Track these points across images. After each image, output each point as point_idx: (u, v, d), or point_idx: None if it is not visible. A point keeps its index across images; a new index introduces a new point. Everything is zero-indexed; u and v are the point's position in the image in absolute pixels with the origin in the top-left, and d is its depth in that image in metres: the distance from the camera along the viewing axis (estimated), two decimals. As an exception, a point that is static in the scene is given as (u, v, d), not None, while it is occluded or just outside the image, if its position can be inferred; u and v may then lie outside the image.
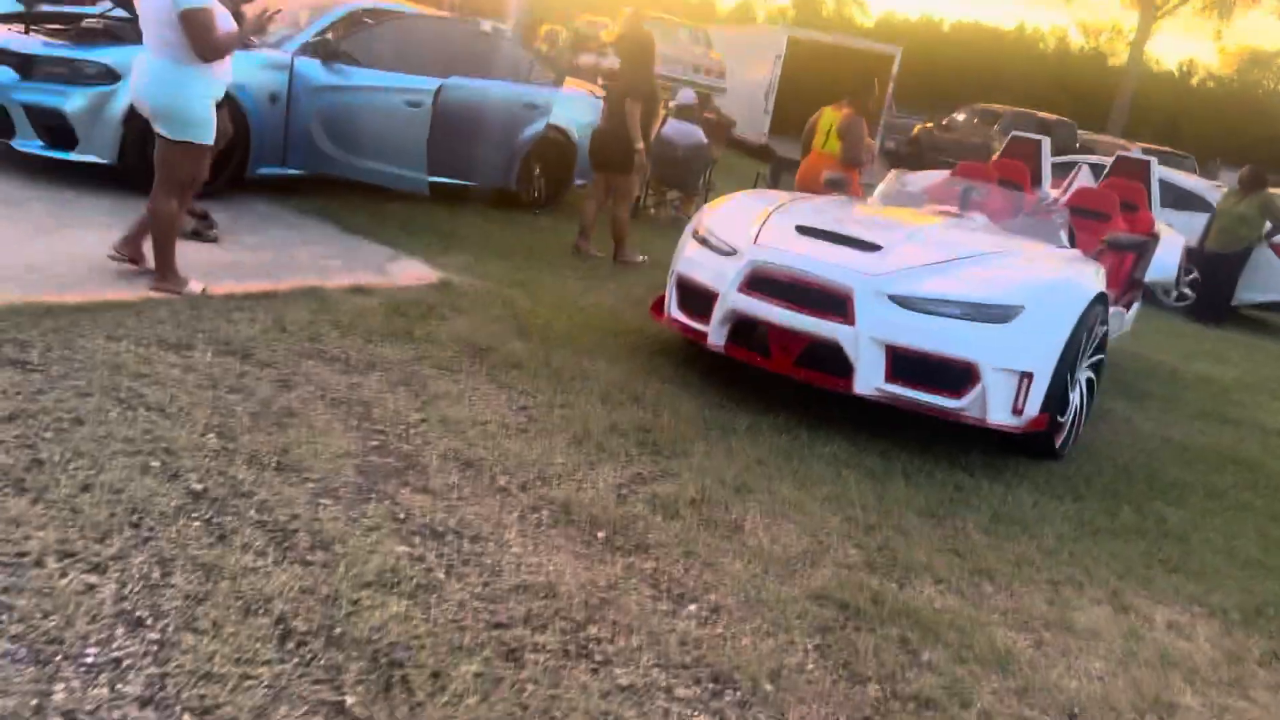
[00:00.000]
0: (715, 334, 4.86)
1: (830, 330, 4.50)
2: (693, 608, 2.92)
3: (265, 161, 6.87)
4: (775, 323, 4.64)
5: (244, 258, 5.59)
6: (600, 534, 3.25)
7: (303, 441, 3.42)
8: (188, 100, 4.63)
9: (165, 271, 4.77)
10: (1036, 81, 59.72)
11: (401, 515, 3.08)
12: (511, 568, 2.93)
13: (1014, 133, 7.92)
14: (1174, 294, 10.80)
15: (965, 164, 7.41)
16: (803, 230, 4.96)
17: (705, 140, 9.91)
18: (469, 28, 8.31)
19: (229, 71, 4.86)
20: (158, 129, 4.69)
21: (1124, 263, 6.88)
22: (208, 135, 4.75)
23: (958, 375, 4.46)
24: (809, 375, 4.62)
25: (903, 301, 4.47)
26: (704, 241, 5.09)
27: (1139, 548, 4.05)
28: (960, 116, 23.87)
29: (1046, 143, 7.66)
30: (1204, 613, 3.58)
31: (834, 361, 4.52)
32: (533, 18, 7.61)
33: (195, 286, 4.79)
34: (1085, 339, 4.79)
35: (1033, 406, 4.54)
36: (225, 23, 4.64)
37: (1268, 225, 10.35)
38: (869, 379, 4.48)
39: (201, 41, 4.53)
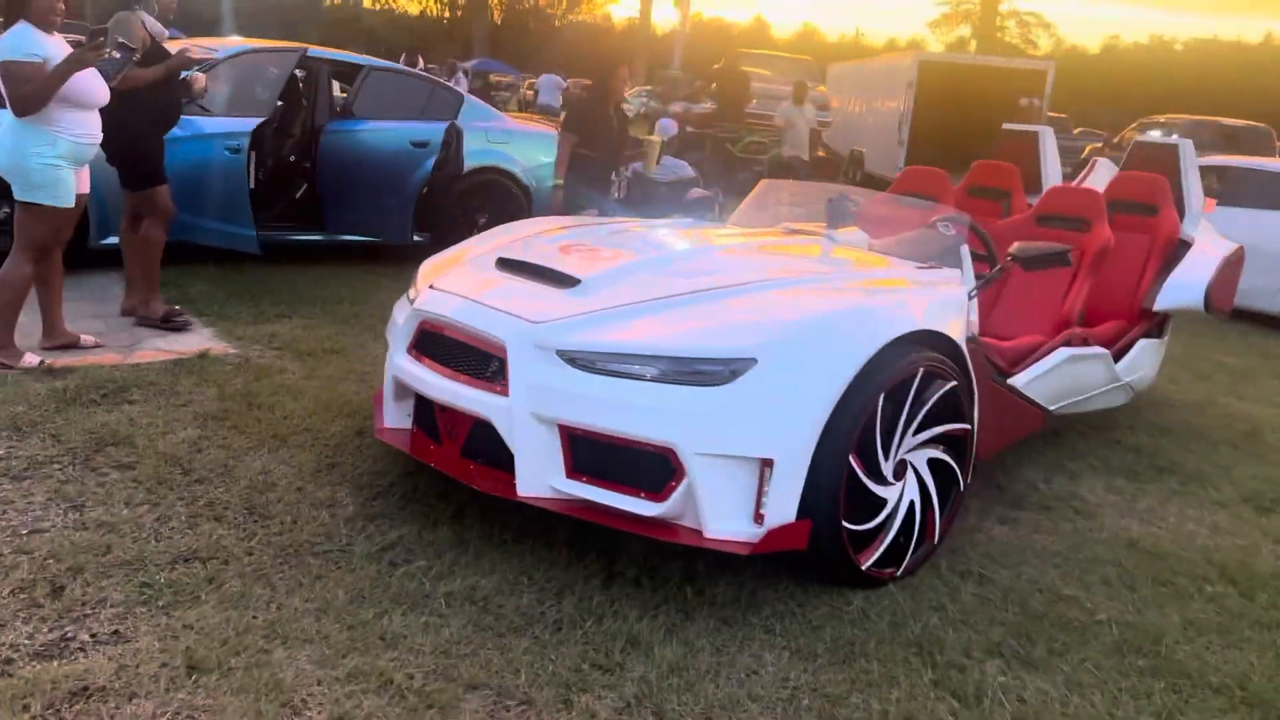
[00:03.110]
0: (388, 415, 3.61)
1: (481, 404, 3.16)
2: None
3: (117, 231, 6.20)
4: (432, 397, 3.35)
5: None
6: None
7: None
8: (24, 159, 4.39)
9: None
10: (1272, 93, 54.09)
11: None
12: None
13: (1005, 126, 6.12)
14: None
15: (914, 169, 5.72)
16: (503, 264, 3.64)
17: (692, 174, 8.58)
18: (358, 64, 7.44)
19: (91, 133, 4.55)
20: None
21: (1114, 286, 5.02)
22: (57, 198, 4.47)
23: (655, 466, 2.99)
24: (477, 472, 3.26)
25: (576, 359, 3.06)
26: (414, 284, 3.86)
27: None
28: (1144, 134, 20.99)
29: (1046, 135, 5.84)
30: None
31: (499, 451, 3.16)
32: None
33: (31, 359, 4.51)
34: (900, 403, 3.19)
35: (781, 510, 2.99)
36: (86, 82, 4.42)
37: None
38: (537, 474, 3.08)
39: (10, 94, 4.30)
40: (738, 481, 2.97)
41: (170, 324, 5.32)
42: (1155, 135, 18.96)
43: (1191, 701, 2.81)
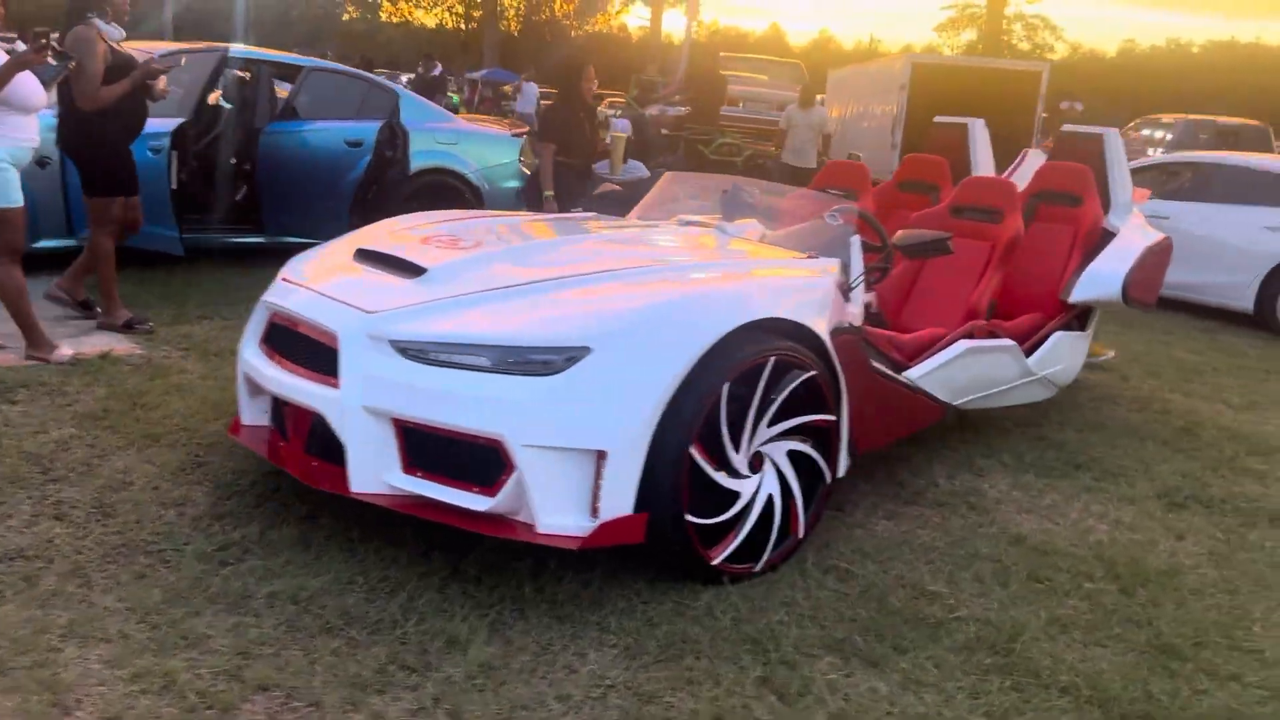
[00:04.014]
0: (245, 412, 3.53)
1: (315, 397, 3.08)
2: None
3: (48, 234, 6.18)
4: (272, 391, 3.27)
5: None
6: None
7: None
8: None
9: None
10: None
11: None
12: None
13: (937, 118, 5.99)
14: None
15: (834, 162, 5.60)
16: (360, 255, 3.56)
17: (648, 174, 8.50)
18: (298, 65, 7.39)
19: (30, 137, 4.60)
20: None
21: (1037, 278, 4.88)
22: (7, 197, 4.51)
23: (486, 460, 2.89)
24: (319, 470, 3.17)
25: (408, 350, 2.97)
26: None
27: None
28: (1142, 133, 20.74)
29: (976, 126, 5.71)
30: None
31: (338, 446, 3.07)
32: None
33: (66, 351, 4.71)
34: (749, 393, 3.08)
35: (617, 503, 2.89)
36: (25, 86, 4.47)
37: None
38: (371, 470, 2.99)
39: None
40: (571, 474, 2.87)
41: (132, 330, 5.29)
42: (1153, 134, 18.72)
43: (1032, 701, 2.68)
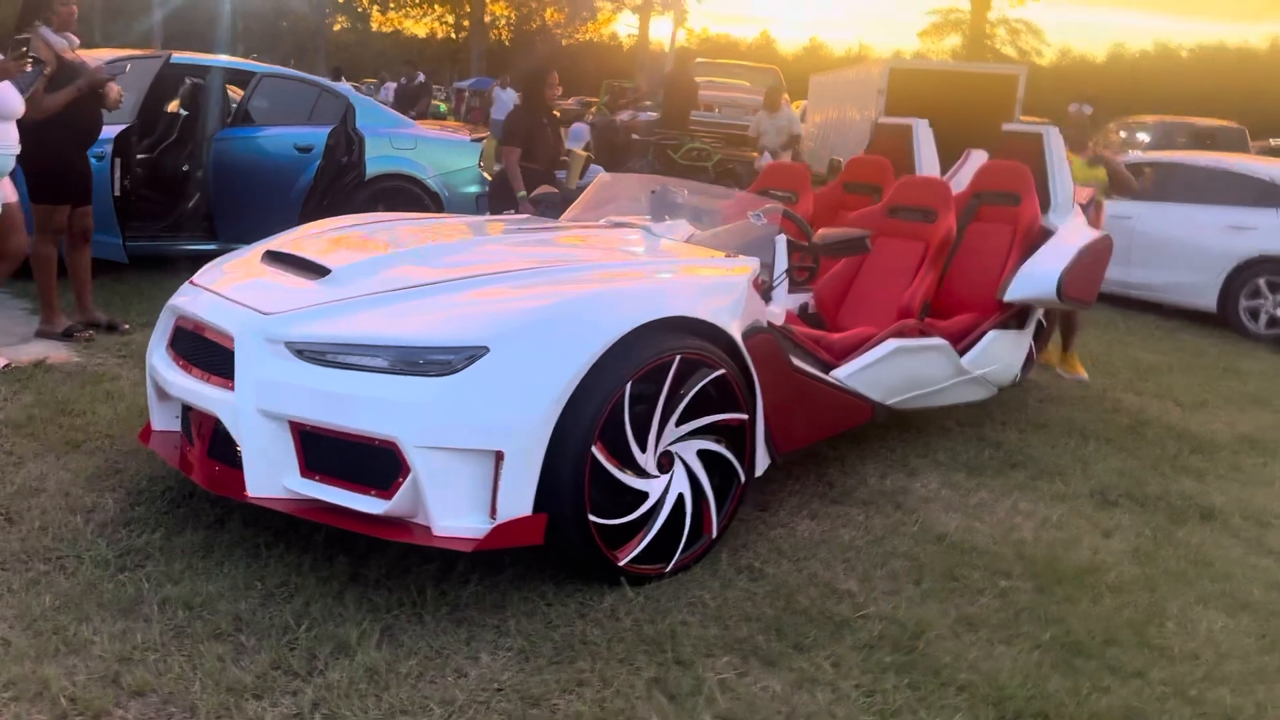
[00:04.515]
0: (155, 417, 3.50)
1: (212, 400, 3.05)
2: None
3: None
4: (174, 395, 3.24)
5: None
6: None
7: None
8: None
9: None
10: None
11: None
12: None
13: (880, 120, 5.99)
14: (1263, 318, 8.17)
15: (774, 164, 5.58)
16: (268, 256, 3.54)
17: (608, 179, 8.47)
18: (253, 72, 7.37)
19: (9, 143, 4.71)
20: None
21: (977, 277, 4.86)
22: None
23: (383, 462, 2.86)
24: (221, 474, 3.14)
25: (304, 351, 2.94)
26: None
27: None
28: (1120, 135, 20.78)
29: (920, 127, 5.69)
30: None
31: (236, 451, 3.04)
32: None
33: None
34: (655, 393, 3.05)
35: (515, 504, 2.86)
36: (2, 94, 4.56)
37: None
38: (268, 473, 2.95)
39: None
40: (468, 475, 2.84)
41: (72, 338, 5.28)
42: (1133, 135, 18.75)
43: (927, 699, 2.65)
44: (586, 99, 21.80)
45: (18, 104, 4.68)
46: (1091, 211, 5.57)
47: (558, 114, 7.45)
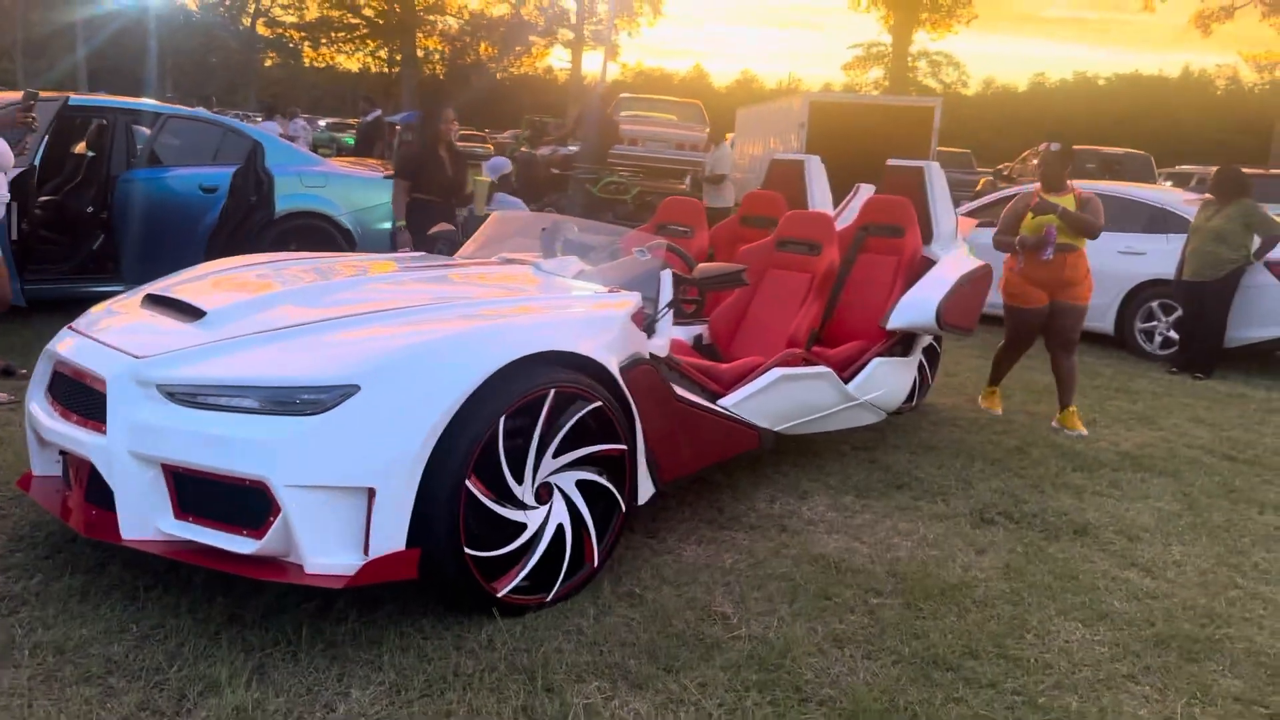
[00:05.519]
0: (36, 462, 3.49)
1: (84, 444, 3.06)
2: None
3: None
4: (49, 440, 3.25)
5: None
6: None
7: None
8: None
9: None
10: (1206, 125, 56.46)
11: None
12: None
13: (775, 156, 6.18)
14: (1157, 339, 8.51)
15: (672, 199, 5.74)
16: (148, 300, 3.57)
17: (526, 210, 8.59)
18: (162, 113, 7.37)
19: (2, 195, 4.84)
20: None
21: (864, 307, 5.03)
22: None
23: (254, 502, 2.90)
24: (97, 519, 3.14)
25: (175, 394, 2.98)
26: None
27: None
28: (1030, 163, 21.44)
29: (812, 163, 5.89)
30: None
31: (111, 495, 3.05)
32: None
33: None
34: (530, 425, 3.13)
35: (387, 540, 2.91)
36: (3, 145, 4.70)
37: (1256, 241, 7.98)
38: (141, 516, 2.97)
39: None
40: (340, 513, 2.89)
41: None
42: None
43: (787, 715, 2.74)
44: (520, 132, 22.00)
45: (10, 156, 4.87)
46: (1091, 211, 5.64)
47: (471, 146, 7.54)
